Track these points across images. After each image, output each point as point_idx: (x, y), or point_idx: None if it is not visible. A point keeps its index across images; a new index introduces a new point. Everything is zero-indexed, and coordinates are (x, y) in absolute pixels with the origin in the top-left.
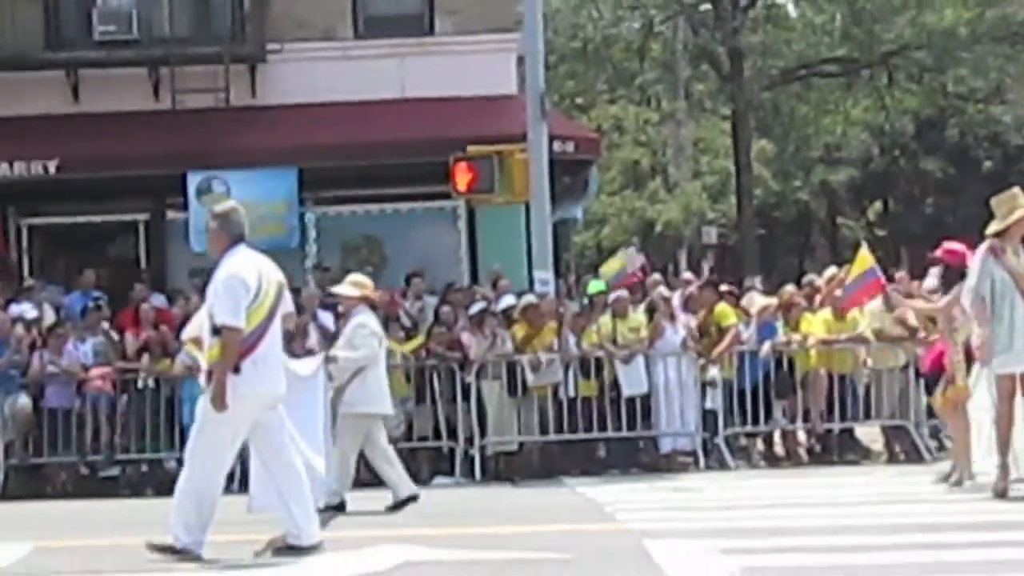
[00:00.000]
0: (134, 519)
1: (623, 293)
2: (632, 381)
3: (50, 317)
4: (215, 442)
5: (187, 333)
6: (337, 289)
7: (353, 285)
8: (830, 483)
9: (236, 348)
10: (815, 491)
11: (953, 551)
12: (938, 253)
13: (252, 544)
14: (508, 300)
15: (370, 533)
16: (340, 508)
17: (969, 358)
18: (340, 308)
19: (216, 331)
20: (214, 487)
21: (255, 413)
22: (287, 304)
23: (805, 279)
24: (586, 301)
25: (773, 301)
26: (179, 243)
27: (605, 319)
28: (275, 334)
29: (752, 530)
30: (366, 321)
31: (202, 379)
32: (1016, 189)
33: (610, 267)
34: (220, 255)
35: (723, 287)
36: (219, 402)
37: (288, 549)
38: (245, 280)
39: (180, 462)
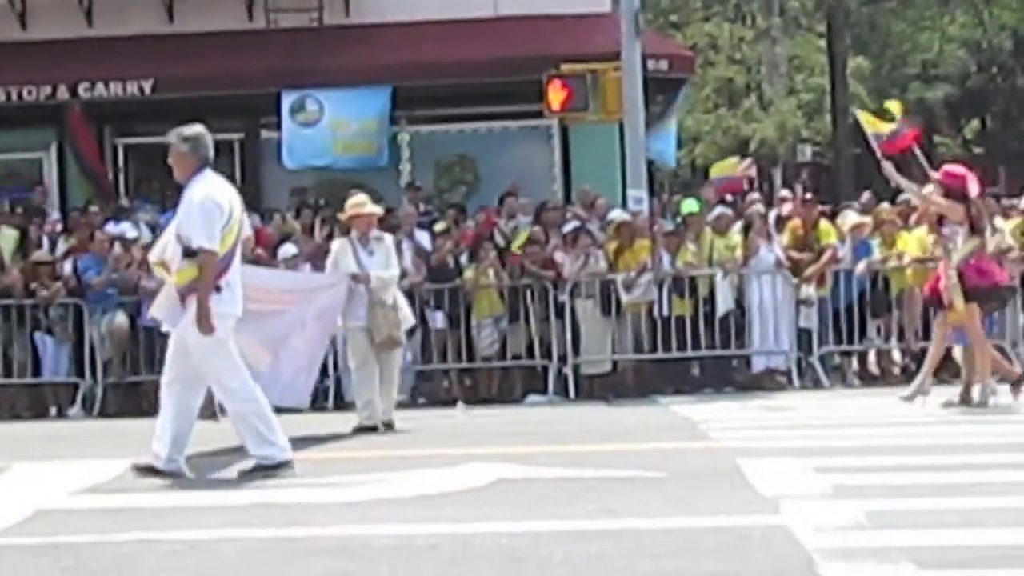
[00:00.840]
0: (229, 433)
1: (725, 211)
2: (728, 299)
3: (147, 236)
4: (222, 362)
5: (153, 255)
6: (372, 208)
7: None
8: (927, 401)
9: (214, 270)
10: (909, 410)
11: None
12: (938, 175)
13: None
14: (616, 213)
15: (462, 451)
16: (374, 429)
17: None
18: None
19: (190, 253)
20: (254, 395)
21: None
22: (247, 228)
23: (900, 198)
24: (680, 220)
25: (867, 219)
26: (273, 162)
27: (707, 235)
28: (238, 257)
29: (845, 449)
30: (338, 245)
31: (163, 300)
32: None
33: (720, 167)
34: (187, 179)
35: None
36: (205, 324)
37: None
38: (220, 204)
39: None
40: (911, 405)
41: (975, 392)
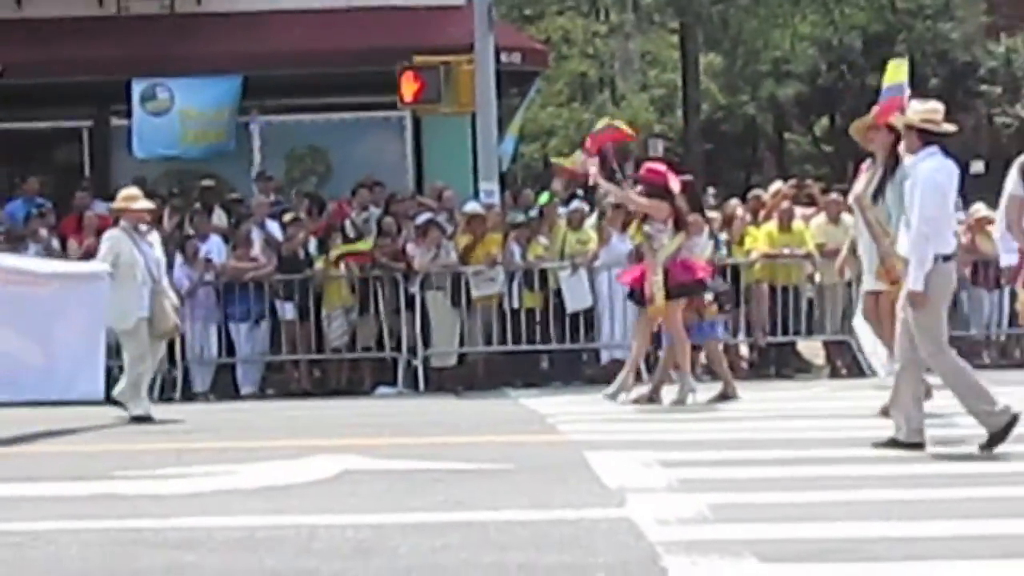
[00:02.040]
0: (72, 425)
1: (580, 205)
2: (576, 296)
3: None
4: None
5: None
6: (144, 204)
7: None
8: (771, 397)
9: None
10: (755, 404)
11: (888, 465)
12: (641, 172)
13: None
14: (470, 206)
15: (310, 443)
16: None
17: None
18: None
19: None
20: None
21: None
22: None
23: (751, 193)
24: (536, 213)
25: (716, 215)
26: (123, 150)
27: (561, 228)
28: None
29: (692, 442)
30: (114, 235)
31: None
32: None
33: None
34: None
35: None
36: None
37: None
38: None
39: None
40: (613, 403)
41: (673, 392)
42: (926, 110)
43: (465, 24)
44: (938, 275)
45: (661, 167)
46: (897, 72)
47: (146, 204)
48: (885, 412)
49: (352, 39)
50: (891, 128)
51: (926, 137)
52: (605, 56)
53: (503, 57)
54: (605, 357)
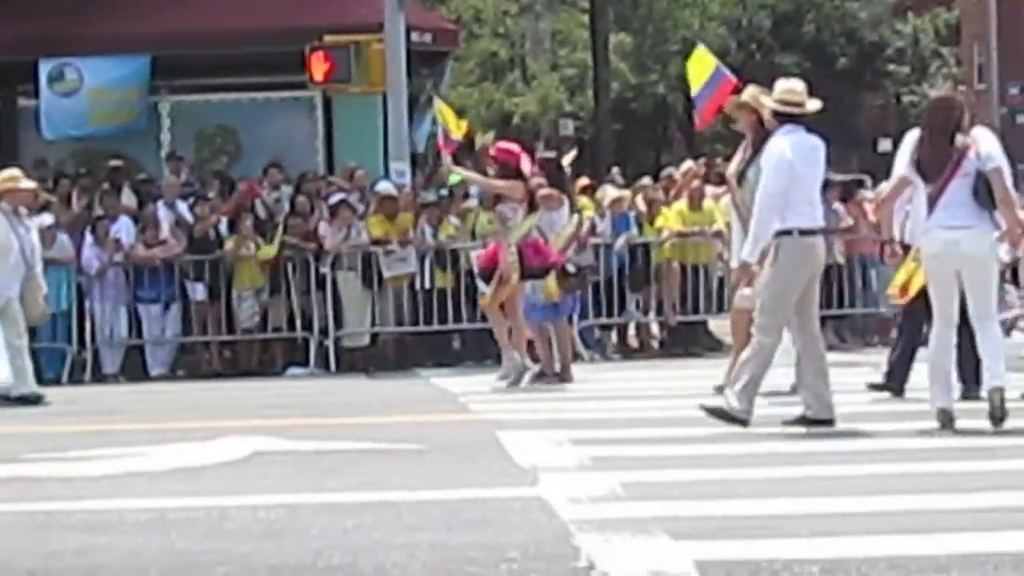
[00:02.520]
0: None
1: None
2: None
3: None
4: None
5: None
6: (27, 184)
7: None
8: (682, 375)
9: None
10: (667, 383)
11: (796, 442)
12: (492, 153)
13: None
14: (383, 186)
15: (220, 424)
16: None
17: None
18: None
19: None
20: None
21: None
22: None
23: (663, 172)
24: (446, 192)
25: (626, 194)
26: (30, 130)
27: (475, 209)
28: None
29: (604, 421)
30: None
31: None
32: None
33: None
34: None
35: (582, 180)
36: None
37: None
38: None
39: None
40: (503, 383)
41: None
42: (783, 90)
43: (375, 3)
44: (795, 247)
45: (514, 147)
46: (703, 63)
47: (29, 184)
48: (719, 389)
49: (262, 18)
50: (754, 108)
51: (783, 117)
52: (516, 35)
53: (414, 36)
54: None
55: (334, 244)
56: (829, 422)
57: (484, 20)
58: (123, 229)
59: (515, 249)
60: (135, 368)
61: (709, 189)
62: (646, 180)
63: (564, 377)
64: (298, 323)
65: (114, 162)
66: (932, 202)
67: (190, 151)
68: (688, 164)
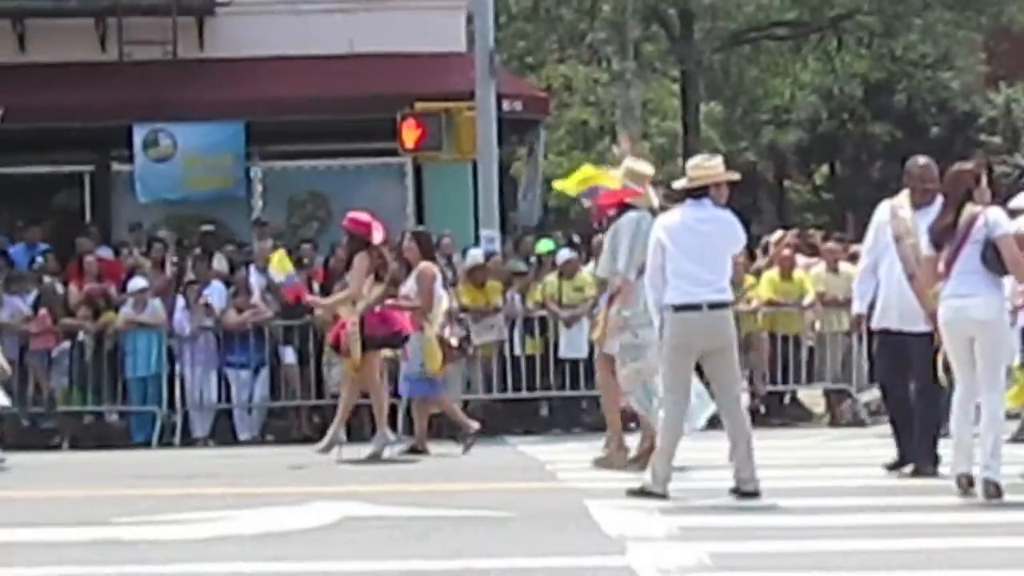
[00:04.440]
0: (74, 472)
1: (572, 254)
2: (572, 343)
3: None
4: None
5: None
6: None
7: None
8: (772, 445)
9: None
10: (757, 453)
11: (889, 514)
12: (344, 223)
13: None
14: (473, 254)
15: (310, 489)
16: None
17: None
18: None
19: None
20: None
21: None
22: None
23: (764, 239)
24: (534, 260)
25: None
26: (124, 195)
27: (551, 278)
28: None
29: (694, 490)
30: None
31: None
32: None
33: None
34: None
35: None
36: None
37: None
38: None
39: (121, 415)
40: (327, 456)
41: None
42: (689, 166)
43: (467, 71)
44: (667, 325)
45: (365, 216)
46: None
47: None
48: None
49: (354, 85)
50: None
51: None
52: (606, 104)
53: (504, 104)
54: None
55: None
56: (755, 494)
57: (575, 88)
58: (215, 293)
59: (357, 319)
60: (224, 432)
61: (800, 259)
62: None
63: (419, 449)
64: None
65: (206, 227)
66: (946, 271)
67: (282, 217)
68: (779, 233)
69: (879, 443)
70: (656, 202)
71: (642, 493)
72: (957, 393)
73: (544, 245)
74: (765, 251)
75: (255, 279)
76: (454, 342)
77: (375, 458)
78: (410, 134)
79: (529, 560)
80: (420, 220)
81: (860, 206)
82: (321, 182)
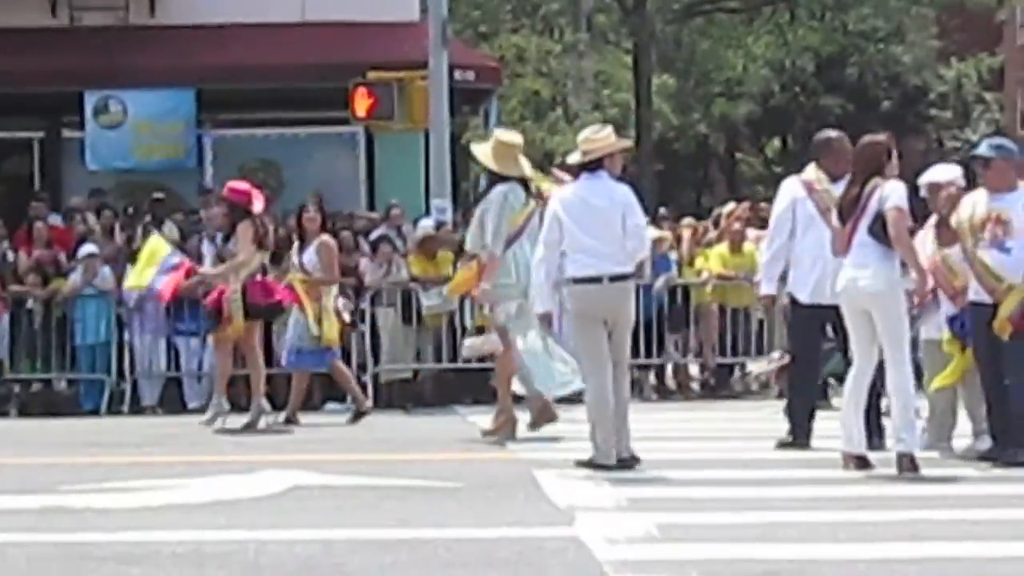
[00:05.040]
0: (22, 439)
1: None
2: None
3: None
4: None
5: None
6: None
7: None
8: (720, 417)
9: None
10: (705, 425)
11: (834, 487)
12: (224, 192)
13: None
14: (424, 223)
15: (258, 458)
16: None
17: None
18: None
19: None
20: None
21: None
22: None
23: (714, 212)
24: None
25: (667, 234)
26: (75, 162)
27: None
28: None
29: (642, 462)
30: None
31: None
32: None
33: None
34: None
35: None
36: None
37: None
38: None
39: (70, 383)
40: (211, 427)
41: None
42: (581, 139)
43: (419, 40)
44: (570, 297)
45: (244, 185)
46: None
47: None
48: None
49: (306, 54)
50: None
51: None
52: (559, 75)
53: (457, 74)
54: None
55: (374, 280)
56: (609, 467)
57: (527, 59)
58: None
59: (239, 288)
60: (173, 400)
61: (750, 232)
62: (687, 221)
63: (292, 419)
64: None
65: (157, 194)
66: (847, 242)
67: None
68: (731, 206)
69: (829, 415)
70: (528, 172)
71: (590, 465)
72: (852, 369)
73: None
74: (716, 224)
75: (206, 247)
76: (347, 317)
77: (250, 427)
78: (362, 103)
79: (478, 530)
80: (371, 189)
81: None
82: (273, 150)
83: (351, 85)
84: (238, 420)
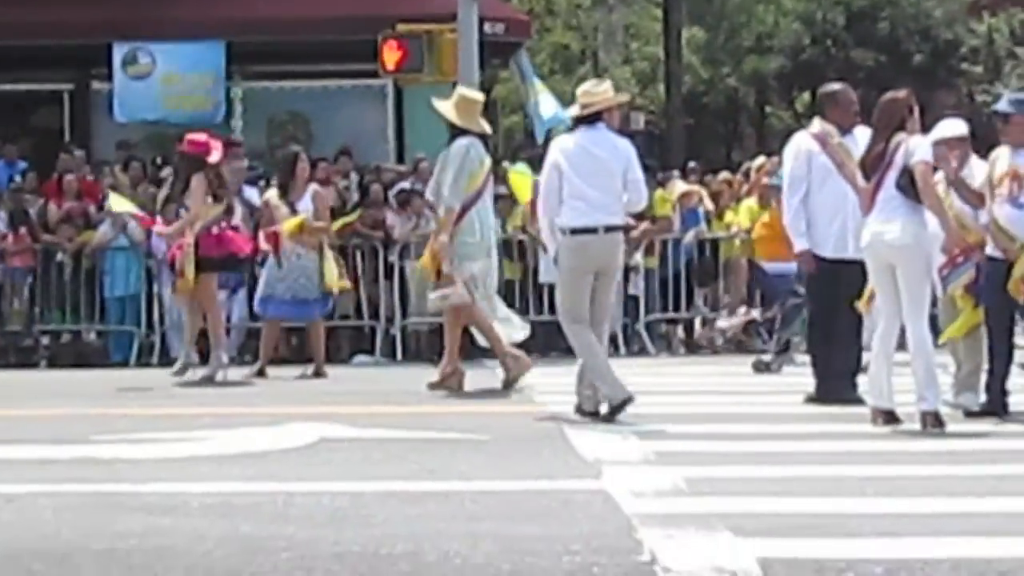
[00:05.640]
0: (52, 390)
1: None
2: (551, 268)
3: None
4: None
5: None
6: None
7: None
8: (747, 371)
9: None
10: (732, 379)
11: (861, 441)
12: (183, 145)
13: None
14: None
15: (287, 410)
16: None
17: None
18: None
19: None
20: None
21: None
22: None
23: (744, 166)
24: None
25: (696, 188)
26: (103, 114)
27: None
28: None
29: (669, 416)
30: None
31: None
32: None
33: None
34: None
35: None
36: None
37: None
38: None
39: (99, 334)
40: (178, 379)
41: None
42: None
43: None
44: (561, 247)
45: (202, 137)
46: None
47: None
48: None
49: (335, 6)
50: None
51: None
52: (588, 28)
53: (486, 27)
54: None
55: (403, 233)
56: (595, 414)
57: (556, 12)
58: None
59: (192, 240)
60: (202, 352)
61: None
62: (724, 175)
63: (319, 373)
64: (365, 311)
65: None
66: (872, 197)
67: (262, 137)
68: (760, 160)
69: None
70: (488, 128)
71: (611, 413)
72: (879, 327)
73: (519, 169)
74: (747, 177)
75: (236, 201)
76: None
77: (208, 381)
78: (391, 56)
79: (504, 483)
80: (400, 142)
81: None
82: (301, 103)
83: (380, 38)
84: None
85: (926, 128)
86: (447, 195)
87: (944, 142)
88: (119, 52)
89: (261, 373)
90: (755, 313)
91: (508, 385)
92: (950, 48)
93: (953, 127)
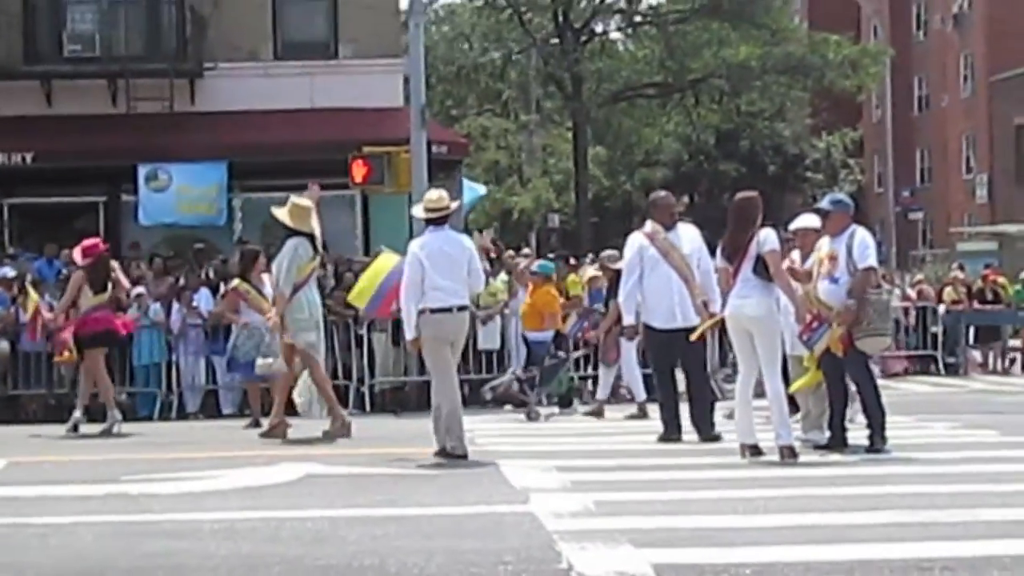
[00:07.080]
0: (91, 440)
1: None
2: (487, 337)
3: (28, 278)
4: None
5: None
6: None
7: None
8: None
9: None
10: (639, 423)
11: (734, 470)
12: (75, 252)
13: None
14: None
15: (278, 452)
16: None
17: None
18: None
19: None
20: None
21: None
22: None
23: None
24: None
25: (601, 274)
26: (130, 220)
27: None
28: None
29: (584, 452)
30: None
31: None
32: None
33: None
34: None
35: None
36: None
37: None
38: None
39: (129, 395)
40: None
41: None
42: (426, 200)
43: (403, 122)
44: (425, 324)
45: (89, 242)
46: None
47: None
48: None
49: (314, 133)
50: None
51: (428, 221)
52: (514, 148)
53: (433, 148)
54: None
55: (369, 312)
56: (464, 457)
57: (490, 136)
58: (203, 298)
59: (72, 325)
60: (211, 408)
61: None
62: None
63: (257, 423)
64: (340, 373)
65: (197, 245)
66: (733, 277)
67: (257, 238)
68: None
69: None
70: (318, 231)
71: (443, 454)
72: (739, 377)
73: (388, 249)
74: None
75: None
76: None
77: (107, 434)
78: (358, 171)
79: (452, 508)
80: (366, 239)
81: (714, 228)
82: None
83: (349, 157)
84: (239, 424)
85: (781, 222)
86: (281, 282)
87: (802, 231)
88: (142, 171)
89: (256, 424)
90: (519, 371)
91: (328, 437)
92: (797, 160)
93: (808, 220)
